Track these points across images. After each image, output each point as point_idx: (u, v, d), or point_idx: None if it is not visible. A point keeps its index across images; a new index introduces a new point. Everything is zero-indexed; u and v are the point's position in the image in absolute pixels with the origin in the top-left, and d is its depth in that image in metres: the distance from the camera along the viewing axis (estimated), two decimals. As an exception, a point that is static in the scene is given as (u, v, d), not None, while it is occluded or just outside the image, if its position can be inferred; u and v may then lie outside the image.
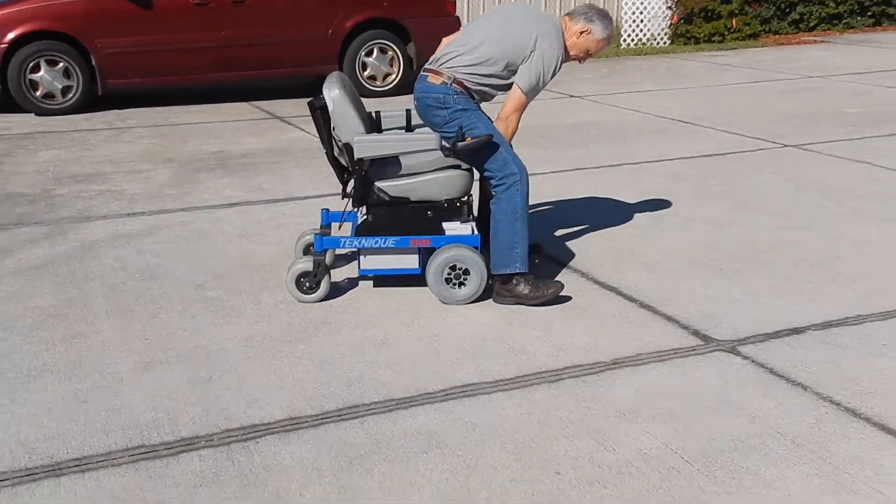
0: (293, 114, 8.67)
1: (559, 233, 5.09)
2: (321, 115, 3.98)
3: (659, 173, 6.32)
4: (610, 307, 4.03)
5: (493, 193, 4.01)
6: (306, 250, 4.42)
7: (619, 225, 5.21)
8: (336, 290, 4.19)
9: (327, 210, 4.41)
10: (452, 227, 4.06)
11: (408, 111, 4.38)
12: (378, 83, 9.57)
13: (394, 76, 9.61)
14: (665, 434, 2.95)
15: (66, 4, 8.49)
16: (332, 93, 3.90)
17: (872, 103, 8.90)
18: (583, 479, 2.71)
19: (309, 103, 4.01)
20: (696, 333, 3.75)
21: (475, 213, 4.31)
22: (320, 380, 3.35)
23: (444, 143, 3.92)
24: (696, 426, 3.01)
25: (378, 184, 3.99)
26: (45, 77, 8.50)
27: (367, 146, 3.88)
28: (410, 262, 4.08)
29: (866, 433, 2.98)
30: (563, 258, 4.65)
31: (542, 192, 5.84)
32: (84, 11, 8.50)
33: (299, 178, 6.26)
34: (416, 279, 4.22)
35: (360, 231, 4.02)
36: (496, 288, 4.04)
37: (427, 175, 4.00)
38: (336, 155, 4.08)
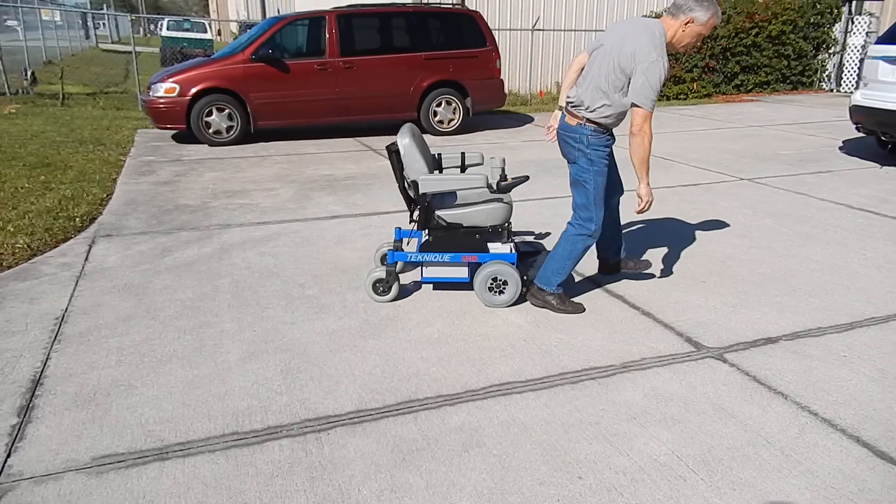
0: (384, 147, 8.03)
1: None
2: (395, 158, 3.34)
3: (649, 198, 5.55)
4: (618, 313, 3.33)
5: (569, 225, 3.26)
6: (382, 260, 3.80)
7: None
8: (404, 292, 3.56)
9: (399, 228, 3.77)
10: (495, 247, 3.40)
11: (462, 154, 3.71)
12: (444, 126, 8.88)
13: (455, 121, 8.92)
14: (671, 440, 2.28)
15: (230, 69, 7.96)
16: (404, 141, 3.26)
17: (800, 147, 7.94)
18: (602, 485, 2.07)
19: (387, 147, 3.37)
20: (689, 340, 3.05)
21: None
22: (385, 373, 2.74)
23: (489, 180, 3.25)
24: (697, 432, 2.33)
25: (438, 212, 3.34)
26: (216, 119, 7.99)
27: (430, 183, 3.23)
28: (461, 272, 3.43)
29: (844, 445, 2.28)
30: (578, 269, 3.96)
31: (559, 213, 5.13)
32: (242, 74, 7.97)
33: (384, 197, 5.63)
34: (465, 285, 3.58)
35: (423, 248, 3.38)
36: (532, 290, 3.36)
37: (476, 206, 3.34)
38: (406, 188, 3.43)
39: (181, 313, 3.30)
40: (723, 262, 4.04)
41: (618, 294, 3.56)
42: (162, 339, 3.03)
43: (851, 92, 11.71)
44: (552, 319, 3.24)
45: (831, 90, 14.65)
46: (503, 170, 3.54)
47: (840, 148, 7.84)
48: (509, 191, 3.25)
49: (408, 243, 3.83)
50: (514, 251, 3.40)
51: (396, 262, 3.44)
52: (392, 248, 3.70)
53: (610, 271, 3.70)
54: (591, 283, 3.72)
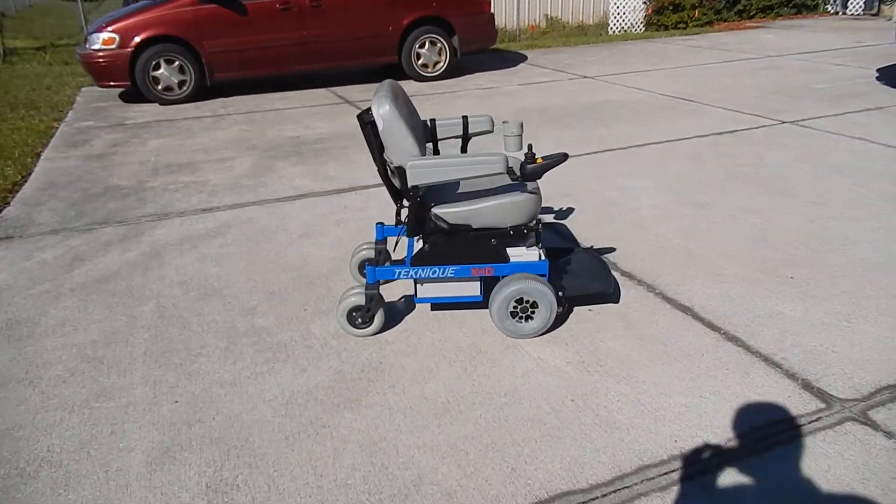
0: (361, 98, 6.81)
1: (607, 229, 3.31)
2: (372, 132, 2.22)
3: (682, 153, 4.46)
4: (692, 338, 2.30)
5: None
6: (361, 268, 2.73)
7: (664, 218, 3.41)
8: (392, 316, 2.51)
9: (382, 225, 2.69)
10: (518, 254, 2.34)
11: (464, 118, 2.59)
12: (429, 70, 7.63)
13: (441, 63, 7.66)
14: None
15: (177, 13, 6.62)
16: (382, 109, 2.13)
17: (833, 79, 6.81)
18: None
19: (358, 117, 2.25)
20: (807, 386, 2.03)
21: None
22: (369, 483, 1.71)
23: (509, 164, 2.16)
24: None
25: (436, 210, 2.25)
26: (165, 73, 6.70)
27: (423, 171, 2.13)
28: (472, 289, 2.38)
29: None
30: (620, 262, 2.90)
31: (579, 178, 4.04)
32: (193, 18, 6.64)
33: (362, 164, 4.50)
34: (476, 304, 2.52)
35: (416, 260, 2.31)
36: None
37: (491, 200, 2.24)
38: (388, 174, 2.33)
39: (74, 371, 2.24)
40: (804, 245, 3.00)
41: (682, 303, 2.52)
42: (35, 425, 1.98)
43: (875, 14, 10.44)
44: (604, 355, 2.21)
45: (836, 13, 13.37)
46: (520, 137, 2.42)
47: (878, 79, 6.71)
48: (539, 176, 2.15)
49: (395, 245, 2.74)
50: (544, 258, 2.34)
51: (379, 282, 2.37)
52: (374, 249, 2.63)
53: None
54: (644, 286, 2.67)
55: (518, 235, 2.27)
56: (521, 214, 2.24)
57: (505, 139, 2.54)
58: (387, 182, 2.35)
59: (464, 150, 2.65)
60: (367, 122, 2.23)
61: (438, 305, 2.56)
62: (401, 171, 2.16)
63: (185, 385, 2.14)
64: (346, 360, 2.25)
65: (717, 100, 6.02)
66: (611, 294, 2.49)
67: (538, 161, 2.10)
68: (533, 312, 2.30)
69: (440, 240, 2.27)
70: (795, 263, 2.83)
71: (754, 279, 2.71)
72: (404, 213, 2.34)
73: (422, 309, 2.55)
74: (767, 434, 1.83)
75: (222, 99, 7.02)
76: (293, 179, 4.22)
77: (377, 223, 2.71)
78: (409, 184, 2.13)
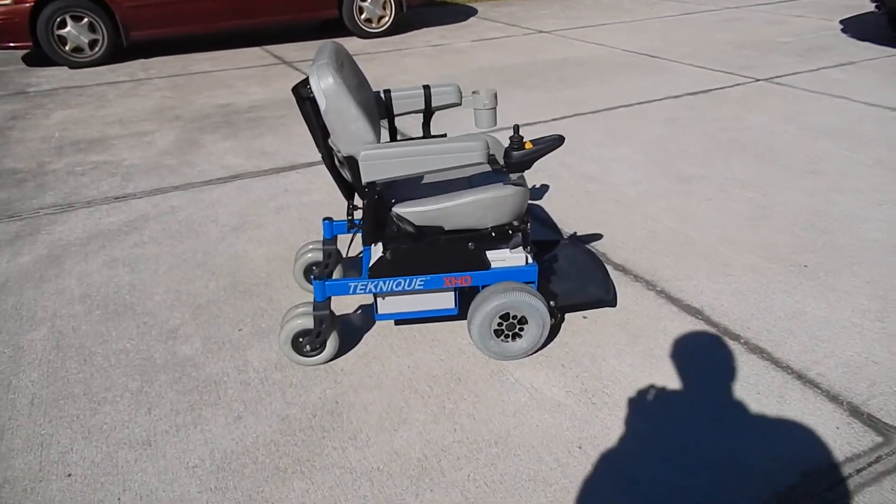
0: (299, 58, 6.16)
1: (588, 210, 2.91)
2: (311, 110, 1.72)
3: (657, 117, 4.07)
4: (709, 353, 1.93)
5: None
6: (307, 273, 2.25)
7: (650, 195, 3.03)
8: (348, 332, 2.05)
9: (330, 221, 2.21)
10: (501, 258, 1.90)
11: (426, 88, 2.10)
12: (373, 25, 6.99)
13: (386, 18, 7.02)
14: None
15: (83, -39, 5.79)
16: (325, 83, 1.63)
17: (798, 32, 6.52)
18: None
19: (294, 91, 1.74)
20: (855, 412, 1.69)
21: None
22: None
23: (490, 151, 1.70)
24: None
25: (398, 210, 1.78)
26: (72, 32, 5.88)
27: (381, 164, 1.65)
28: (445, 301, 1.94)
29: None
30: (610, 252, 2.51)
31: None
32: (102, -33, 5.83)
33: (302, 136, 3.95)
34: (448, 316, 2.09)
35: (375, 271, 1.84)
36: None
37: (468, 196, 1.78)
38: (336, 164, 1.84)
39: (-65, 433, 1.71)
40: (810, 223, 2.67)
41: (690, 304, 2.14)
42: None
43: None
44: (608, 380, 1.82)
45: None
46: (494, 111, 1.97)
47: (843, 31, 6.45)
48: (528, 166, 1.70)
49: (349, 246, 2.26)
50: (533, 262, 1.91)
51: (330, 299, 1.90)
52: (322, 251, 2.16)
53: None
54: (642, 282, 2.29)
55: (501, 237, 1.83)
56: (506, 212, 1.80)
57: (476, 113, 2.08)
58: (334, 173, 1.86)
59: (426, 126, 2.17)
60: (304, 98, 1.72)
61: (404, 319, 2.11)
62: (352, 163, 1.68)
63: (82, 449, 1.65)
64: (292, 399, 1.79)
65: (683, 56, 5.64)
66: (609, 299, 2.09)
67: (526, 146, 1.65)
68: (521, 329, 1.88)
69: (405, 245, 1.81)
70: (806, 248, 2.49)
71: (765, 269, 2.35)
72: (358, 212, 1.86)
73: (385, 326, 2.10)
74: (820, 488, 1.47)
75: (142, 60, 6.25)
76: (223, 157, 3.64)
77: (324, 219, 2.22)
78: (364, 180, 1.65)
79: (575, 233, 2.66)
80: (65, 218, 2.95)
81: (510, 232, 1.83)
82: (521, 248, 1.91)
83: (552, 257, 2.15)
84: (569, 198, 2.98)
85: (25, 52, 6.58)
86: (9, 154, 3.80)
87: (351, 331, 2.07)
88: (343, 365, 1.92)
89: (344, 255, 2.35)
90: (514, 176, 1.83)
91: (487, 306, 1.82)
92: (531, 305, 1.83)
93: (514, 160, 1.65)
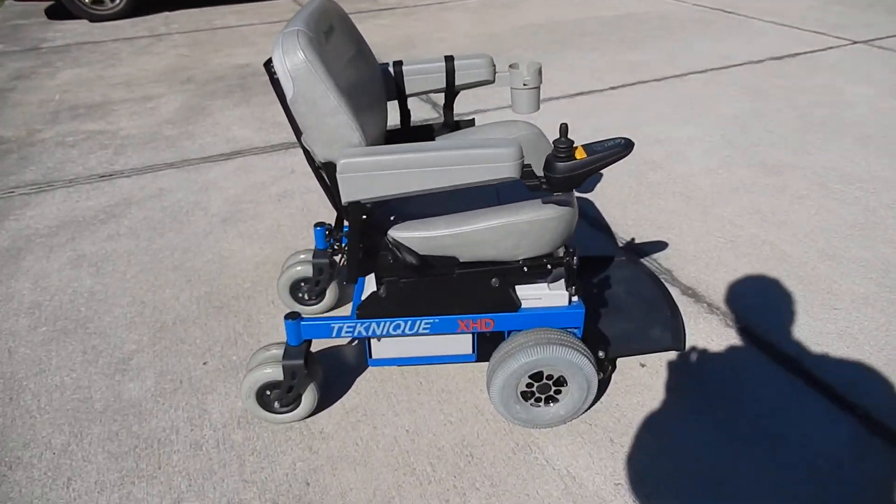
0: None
1: (650, 208, 2.37)
2: (280, 93, 1.24)
3: (735, 86, 3.44)
4: (814, 424, 1.41)
5: None
6: (295, 288, 1.80)
7: (729, 189, 2.46)
8: (336, 371, 1.60)
9: (324, 228, 1.75)
10: (535, 295, 1.40)
11: (449, 60, 1.59)
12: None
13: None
14: None
15: None
16: (291, 60, 1.14)
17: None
18: None
19: (267, 67, 1.25)
20: None
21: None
22: None
23: (519, 154, 1.18)
24: None
25: (396, 234, 1.30)
26: (92, -19, 5.51)
27: (365, 180, 1.16)
28: (459, 345, 1.46)
29: None
30: (676, 267, 1.98)
31: (606, 124, 3.04)
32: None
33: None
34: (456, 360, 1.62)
35: (365, 310, 1.37)
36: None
37: (494, 218, 1.28)
38: (317, 167, 1.36)
39: None
40: (942, 238, 2.08)
41: (783, 351, 1.62)
42: None
43: None
44: (682, 471, 1.33)
45: None
46: (537, 91, 1.46)
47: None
48: (579, 183, 1.18)
49: (341, 259, 1.80)
50: (578, 300, 1.41)
51: (308, 343, 1.45)
52: (311, 264, 1.72)
53: None
54: (716, 314, 1.76)
55: (537, 272, 1.34)
56: (545, 241, 1.30)
57: (513, 94, 1.58)
58: (317, 174, 1.39)
59: (448, 108, 1.67)
60: (272, 76, 1.25)
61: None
62: (330, 170, 1.20)
63: (-28, 538, 1.26)
64: (252, 475, 1.36)
65: (764, 11, 4.89)
66: (678, 346, 1.58)
67: (577, 155, 1.13)
68: (558, 392, 1.40)
69: (405, 280, 1.34)
70: (937, 272, 1.91)
71: (883, 301, 1.80)
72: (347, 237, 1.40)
73: (376, 374, 1.65)
74: None
75: (167, 13, 5.82)
76: (230, 127, 3.20)
77: (317, 224, 1.76)
78: (344, 199, 1.17)
79: (632, 240, 2.13)
80: (39, 199, 2.57)
81: (549, 267, 1.33)
82: (563, 282, 1.41)
83: (603, 282, 1.65)
84: (625, 190, 2.45)
85: (49, 3, 6.24)
86: (1, 120, 3.44)
87: (339, 371, 1.63)
88: (324, 424, 1.48)
89: (336, 271, 1.89)
90: (565, 196, 1.32)
91: (513, 363, 1.34)
92: (573, 363, 1.34)
93: (558, 174, 1.14)
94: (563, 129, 1.13)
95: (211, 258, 2.14)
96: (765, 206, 2.31)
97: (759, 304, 1.81)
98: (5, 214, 2.47)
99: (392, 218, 1.33)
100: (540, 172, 1.18)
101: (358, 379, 1.61)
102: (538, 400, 1.42)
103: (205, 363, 1.68)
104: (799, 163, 2.60)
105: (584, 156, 1.13)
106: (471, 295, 1.36)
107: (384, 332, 1.40)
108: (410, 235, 1.28)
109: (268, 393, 1.44)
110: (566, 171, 1.13)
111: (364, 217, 1.23)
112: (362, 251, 1.28)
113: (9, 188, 2.68)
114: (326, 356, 1.67)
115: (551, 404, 1.42)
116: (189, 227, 2.33)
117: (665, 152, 2.75)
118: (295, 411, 1.46)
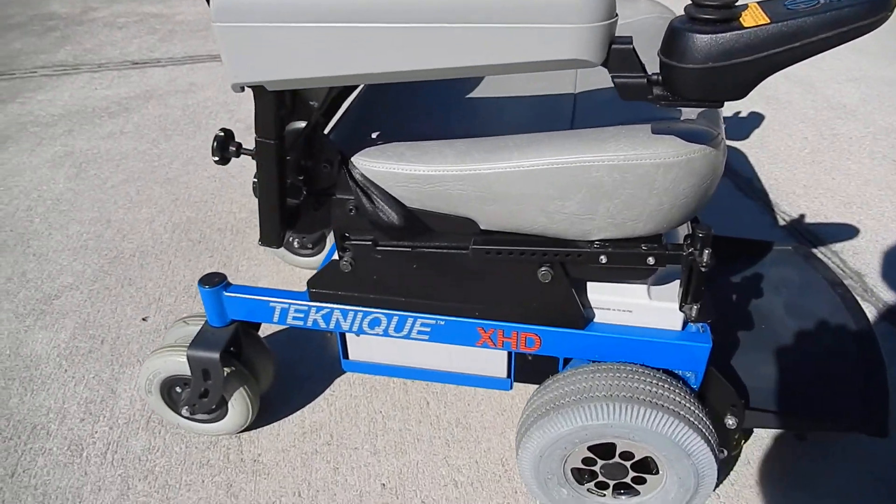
0: None
1: (833, 172, 1.60)
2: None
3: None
4: None
5: None
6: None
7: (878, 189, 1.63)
8: (302, 356, 1.07)
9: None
10: (622, 304, 0.76)
11: None
12: None
13: None
14: None
15: None
16: None
17: None
18: None
19: None
20: None
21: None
22: None
23: (613, 30, 0.53)
24: None
25: (362, 164, 0.70)
26: None
27: (264, 43, 0.56)
28: (488, 364, 0.87)
29: None
30: (874, 275, 1.25)
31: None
32: None
33: None
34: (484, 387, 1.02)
35: (320, 287, 0.80)
36: None
37: (547, 153, 0.65)
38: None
39: None
40: None
41: None
42: None
43: None
44: None
45: None
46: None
47: None
48: (748, 85, 0.52)
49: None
50: (705, 327, 0.76)
51: (235, 325, 0.90)
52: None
53: None
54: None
55: (625, 264, 0.70)
56: (649, 210, 0.65)
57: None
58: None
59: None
60: None
61: (388, 379, 1.08)
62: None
63: None
64: (126, 522, 0.87)
65: None
66: (876, 428, 0.88)
67: (745, 20, 0.48)
68: (640, 481, 0.78)
69: (384, 247, 0.75)
70: None
71: None
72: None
73: (347, 377, 1.09)
74: None
75: None
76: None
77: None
78: (232, 79, 0.59)
79: (801, 218, 1.41)
80: (57, 83, 2.18)
81: (651, 260, 0.69)
82: (675, 284, 0.76)
83: (749, 286, 0.98)
84: (797, 142, 1.69)
85: None
86: (65, -6, 3.11)
87: (311, 363, 1.09)
88: (265, 446, 0.96)
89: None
90: (686, 112, 0.66)
91: (562, 423, 0.73)
92: (675, 444, 0.72)
93: (693, 62, 0.48)
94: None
95: (213, 174, 1.65)
96: None
97: None
98: (14, 96, 2.10)
99: (360, 138, 0.74)
100: (655, 66, 0.53)
101: (337, 381, 1.07)
102: (601, 486, 0.81)
103: (144, 318, 1.20)
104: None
105: (766, 20, 0.47)
106: (502, 289, 0.75)
107: (355, 328, 0.83)
108: (387, 169, 0.68)
109: (177, 390, 0.93)
110: (716, 54, 0.47)
111: (293, 126, 0.64)
112: (300, 189, 0.70)
113: (33, 68, 2.31)
114: (290, 338, 1.13)
115: (625, 497, 0.81)
116: (203, 133, 1.84)
117: (861, 95, 1.92)
118: (217, 424, 0.95)
